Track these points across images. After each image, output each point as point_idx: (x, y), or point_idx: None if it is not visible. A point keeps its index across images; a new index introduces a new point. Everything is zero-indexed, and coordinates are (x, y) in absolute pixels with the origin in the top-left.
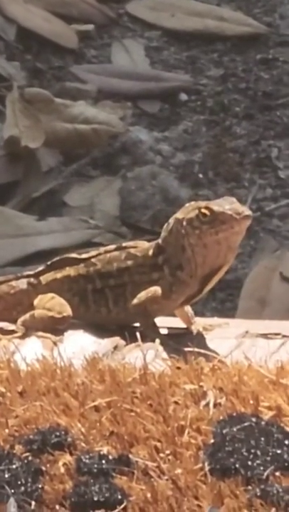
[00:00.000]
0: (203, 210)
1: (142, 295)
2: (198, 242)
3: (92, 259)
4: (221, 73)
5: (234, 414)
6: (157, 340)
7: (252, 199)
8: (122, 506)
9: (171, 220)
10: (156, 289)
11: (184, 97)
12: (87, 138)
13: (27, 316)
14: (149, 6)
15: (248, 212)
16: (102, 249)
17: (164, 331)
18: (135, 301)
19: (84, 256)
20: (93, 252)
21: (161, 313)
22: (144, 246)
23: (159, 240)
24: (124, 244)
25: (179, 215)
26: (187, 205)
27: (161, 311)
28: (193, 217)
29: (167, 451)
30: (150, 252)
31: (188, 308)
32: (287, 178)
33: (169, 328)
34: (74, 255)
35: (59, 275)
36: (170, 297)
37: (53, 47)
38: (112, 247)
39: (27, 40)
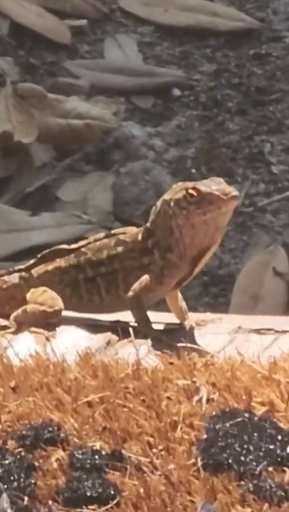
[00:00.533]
0: (190, 191)
1: (136, 287)
2: (185, 223)
3: (82, 249)
4: (214, 68)
5: (227, 409)
6: (150, 336)
7: (245, 194)
8: (115, 502)
9: (159, 202)
10: (146, 278)
11: (176, 92)
12: (80, 133)
13: (19, 311)
14: (142, 1)
15: (235, 192)
16: (91, 238)
17: (157, 326)
18: (130, 293)
19: (74, 246)
20: (83, 242)
21: (154, 299)
22: (132, 231)
23: (148, 224)
24: (113, 232)
25: (166, 196)
26: (174, 186)
27: (155, 297)
28: (180, 198)
29: (160, 447)
30: (139, 237)
31: (182, 304)
32: (280, 174)
33: (162, 323)
34: (64, 246)
35: (50, 267)
36: (163, 281)
37: (46, 42)
38: (102, 234)
39: (20, 36)
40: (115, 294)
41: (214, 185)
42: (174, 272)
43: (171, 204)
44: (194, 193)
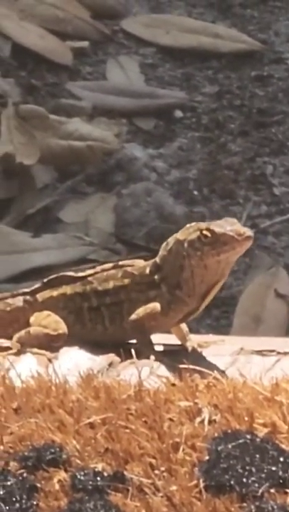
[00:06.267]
0: (204, 232)
1: (141, 311)
2: (199, 263)
3: (89, 278)
4: (216, 90)
5: (229, 431)
6: (152, 357)
7: (247, 216)
8: None
9: (171, 240)
10: (155, 305)
11: (178, 113)
12: (82, 155)
13: (22, 332)
14: (144, 23)
15: (249, 233)
16: (98, 267)
17: (159, 348)
18: (133, 316)
19: (81, 274)
20: (90, 271)
21: (158, 329)
22: (140, 264)
23: (157, 259)
24: (121, 263)
25: (180, 236)
26: (188, 226)
27: (159, 327)
28: (194, 239)
29: (162, 468)
30: (147, 270)
31: (183, 325)
32: (282, 195)
33: (164, 345)
34: (71, 273)
35: (55, 293)
36: (168, 314)
37: (47, 63)
38: (109, 265)
39: (22, 57)
40: (119, 325)
41: (228, 226)
42: (181, 307)
43: (185, 245)
44: (208, 234)
